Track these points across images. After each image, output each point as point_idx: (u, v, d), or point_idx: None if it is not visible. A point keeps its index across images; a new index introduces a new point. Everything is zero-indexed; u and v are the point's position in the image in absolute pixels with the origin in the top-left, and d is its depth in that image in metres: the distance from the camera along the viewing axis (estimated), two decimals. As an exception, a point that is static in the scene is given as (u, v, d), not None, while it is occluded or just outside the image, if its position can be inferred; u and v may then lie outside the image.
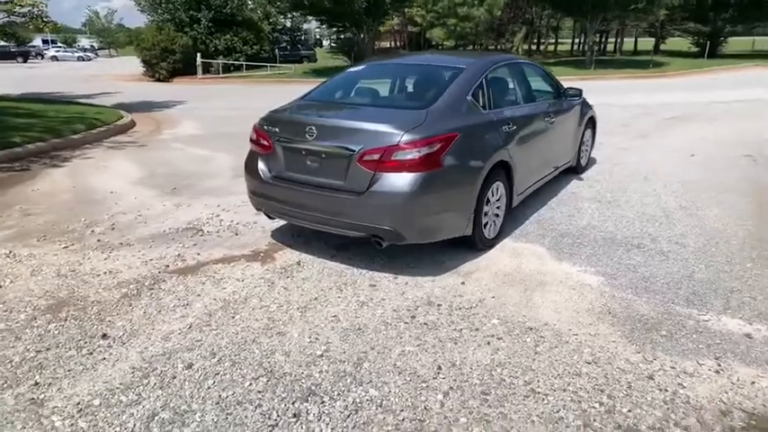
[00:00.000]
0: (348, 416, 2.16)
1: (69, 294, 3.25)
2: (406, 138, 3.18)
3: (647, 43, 42.69)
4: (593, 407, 2.21)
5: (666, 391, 2.31)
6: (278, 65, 28.47)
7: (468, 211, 3.54)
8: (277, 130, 3.69)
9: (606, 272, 3.53)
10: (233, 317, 2.96)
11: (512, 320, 2.91)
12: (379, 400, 2.25)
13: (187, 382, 2.37)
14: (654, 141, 7.93)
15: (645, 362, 2.53)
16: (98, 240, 4.17)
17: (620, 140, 7.87)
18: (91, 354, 2.60)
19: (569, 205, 4.93)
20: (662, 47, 37.28)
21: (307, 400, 2.25)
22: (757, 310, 3.01)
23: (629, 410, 2.18)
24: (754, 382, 2.38)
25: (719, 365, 2.50)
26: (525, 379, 2.39)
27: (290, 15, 39.04)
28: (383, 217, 3.27)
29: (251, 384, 2.36)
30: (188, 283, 3.39)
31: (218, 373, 2.44)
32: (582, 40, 40.51)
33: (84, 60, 49.39)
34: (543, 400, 2.26)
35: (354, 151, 3.26)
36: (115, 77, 25.97)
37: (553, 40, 47.28)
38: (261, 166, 3.81)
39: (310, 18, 34.54)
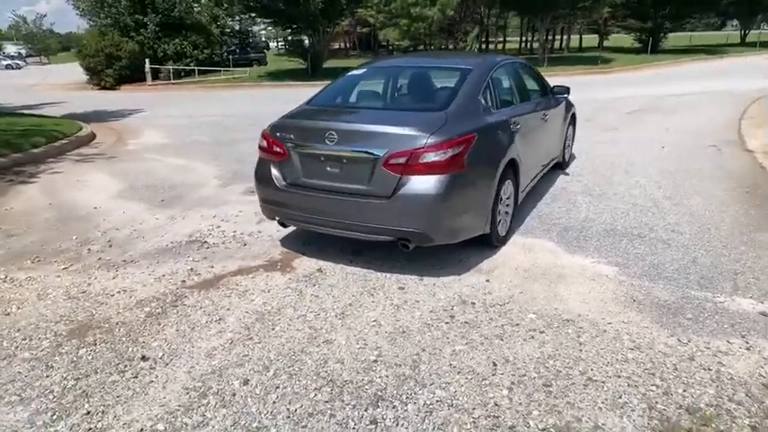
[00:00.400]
0: (424, 418, 2.18)
1: (89, 317, 3.10)
2: (431, 140, 3.21)
3: (591, 40, 44.48)
4: (651, 390, 2.33)
5: (710, 369, 2.47)
6: (231, 69, 27.79)
7: (487, 210, 3.62)
8: (292, 136, 3.64)
9: (618, 262, 3.70)
10: (273, 328, 2.91)
11: (547, 314, 3.01)
12: (449, 401, 2.28)
13: (249, 398, 2.33)
14: (623, 134, 8.33)
15: (681, 344, 2.68)
16: (99, 259, 3.99)
17: (590, 134, 8.21)
18: (136, 377, 2.50)
19: (563, 200, 5.11)
20: (605, 43, 38.90)
21: (378, 406, 2.26)
22: (764, 290, 3.24)
23: (685, 390, 2.32)
24: (782, 356, 2.58)
25: (748, 343, 2.69)
26: (579, 369, 2.49)
27: (238, 18, 38.14)
28: (412, 220, 3.29)
29: (316, 395, 2.34)
30: (213, 298, 3.30)
31: (278, 387, 2.40)
32: (529, 38, 41.79)
33: (13, 69, 46.24)
34: (603, 387, 2.36)
35: (379, 155, 3.27)
36: (56, 86, 24.63)
37: (501, 39, 48.47)
38: (274, 173, 3.75)
39: (259, 20, 33.85)
